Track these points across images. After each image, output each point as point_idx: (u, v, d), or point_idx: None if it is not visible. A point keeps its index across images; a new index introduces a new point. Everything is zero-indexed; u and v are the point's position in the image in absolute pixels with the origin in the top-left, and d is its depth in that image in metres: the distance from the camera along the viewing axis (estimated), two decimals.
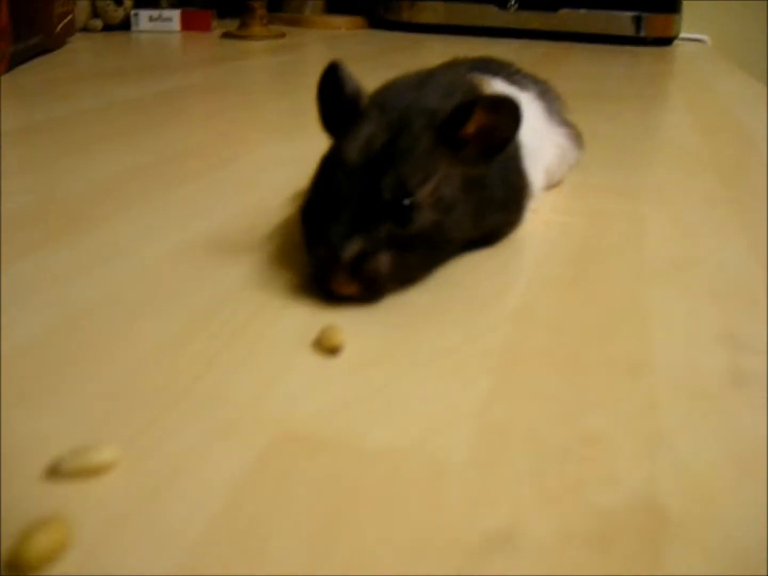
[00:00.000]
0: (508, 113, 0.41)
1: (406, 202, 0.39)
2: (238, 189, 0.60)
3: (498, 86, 0.52)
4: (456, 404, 0.31)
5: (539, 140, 0.52)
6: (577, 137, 0.62)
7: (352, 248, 0.38)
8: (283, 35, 1.75)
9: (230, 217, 0.53)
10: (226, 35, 1.72)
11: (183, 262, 0.45)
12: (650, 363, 0.35)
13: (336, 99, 0.44)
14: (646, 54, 1.65)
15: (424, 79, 0.47)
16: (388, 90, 0.46)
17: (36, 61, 1.21)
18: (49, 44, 1.33)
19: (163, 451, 0.28)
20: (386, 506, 0.25)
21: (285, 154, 0.72)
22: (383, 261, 0.39)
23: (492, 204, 0.45)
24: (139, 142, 0.74)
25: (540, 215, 0.54)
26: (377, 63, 1.30)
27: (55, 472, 0.26)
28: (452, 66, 0.58)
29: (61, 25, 1.41)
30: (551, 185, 0.59)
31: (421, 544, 0.24)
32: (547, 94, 0.61)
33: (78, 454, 0.26)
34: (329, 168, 0.42)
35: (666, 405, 0.32)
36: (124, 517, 0.24)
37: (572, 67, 1.42)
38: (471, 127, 0.42)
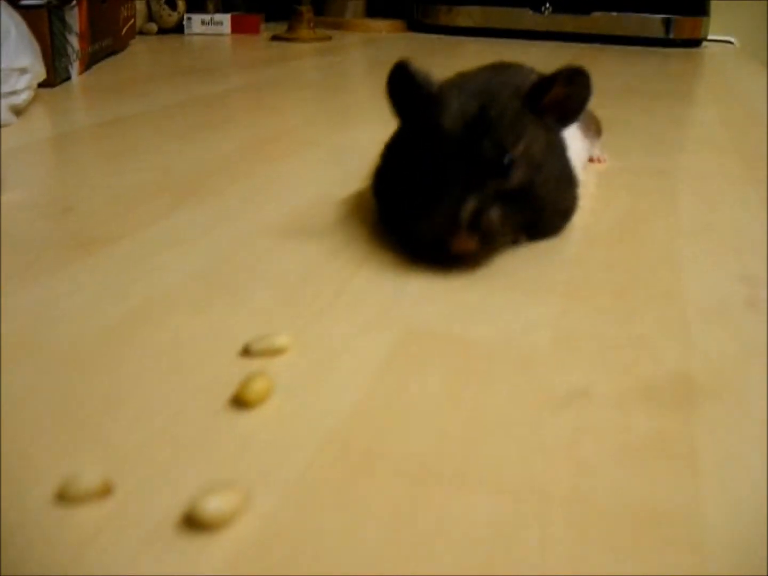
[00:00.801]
0: (583, 84, 0.48)
1: (506, 159, 0.44)
2: (326, 165, 0.71)
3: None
4: (537, 315, 0.41)
5: (573, 134, 0.56)
6: (592, 127, 0.68)
7: (469, 206, 0.42)
8: (329, 38, 1.85)
9: (327, 186, 0.63)
10: (275, 38, 1.82)
11: (294, 221, 0.55)
12: (682, 292, 0.45)
13: (408, 87, 0.49)
14: (675, 55, 1.73)
15: (486, 67, 0.54)
16: (459, 79, 0.52)
17: (107, 62, 1.32)
18: (116, 46, 1.44)
19: (322, 340, 0.38)
20: (492, 375, 0.35)
21: (347, 143, 0.82)
22: (496, 215, 0.43)
23: (561, 178, 0.50)
24: (227, 131, 0.85)
25: (586, 190, 0.64)
26: (418, 64, 1.39)
27: (247, 351, 0.36)
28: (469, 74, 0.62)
29: (125, 29, 1.52)
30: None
31: (522, 395, 0.34)
32: None
33: (263, 339, 0.36)
34: (420, 141, 0.46)
35: (693, 318, 0.42)
36: (295, 386, 0.34)
37: (605, 66, 1.51)
38: (550, 97, 0.47)
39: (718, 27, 2.02)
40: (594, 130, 0.69)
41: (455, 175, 0.43)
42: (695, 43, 1.92)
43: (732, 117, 1.06)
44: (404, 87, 0.49)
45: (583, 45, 1.84)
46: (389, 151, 0.51)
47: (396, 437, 0.31)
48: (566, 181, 0.51)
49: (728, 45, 2.07)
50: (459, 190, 0.42)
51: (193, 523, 0.25)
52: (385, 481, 0.28)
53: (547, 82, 0.47)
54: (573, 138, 0.55)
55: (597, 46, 1.84)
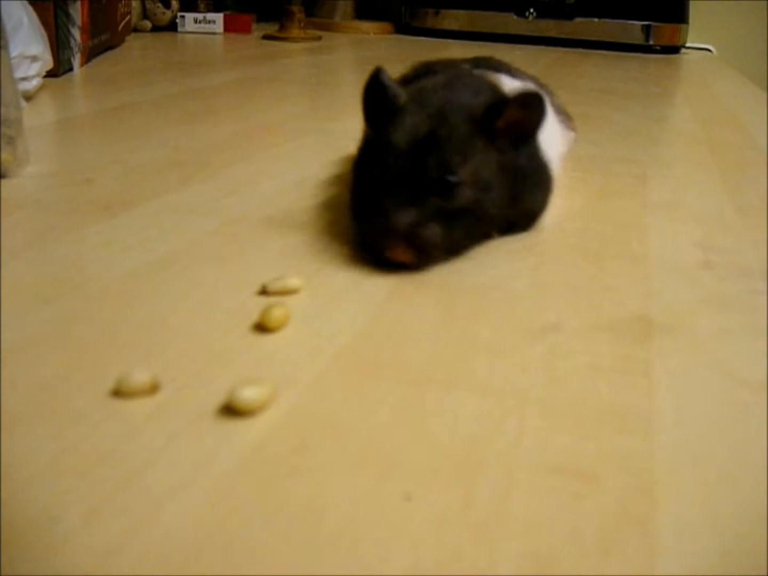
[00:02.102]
0: (536, 108, 0.47)
1: (451, 179, 0.44)
2: (319, 149, 0.76)
3: (508, 82, 0.57)
4: (516, 268, 0.47)
5: (550, 133, 0.56)
6: (569, 121, 0.69)
7: (406, 218, 0.43)
8: (319, 38, 1.90)
9: (320, 166, 0.68)
10: (267, 37, 1.87)
11: (293, 193, 0.60)
12: (647, 254, 0.51)
13: (379, 97, 0.49)
14: (654, 61, 1.79)
15: (450, 79, 0.52)
16: (422, 90, 0.51)
17: (105, 56, 1.36)
18: (114, 41, 1.48)
19: (330, 283, 0.43)
20: (479, 311, 0.41)
21: (336, 132, 0.87)
22: (433, 230, 0.44)
23: (524, 186, 0.50)
24: (225, 119, 0.90)
25: (563, 172, 0.69)
26: (404, 65, 1.45)
27: (264, 291, 0.41)
28: (455, 63, 0.64)
29: (122, 25, 1.56)
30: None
31: (504, 327, 0.39)
32: (538, 83, 0.66)
33: (278, 281, 0.42)
34: (377, 153, 0.47)
35: (655, 274, 0.47)
36: (309, 316, 0.40)
37: (586, 69, 1.57)
38: (503, 121, 0.47)
39: (696, 35, 2.08)
40: (572, 125, 0.71)
41: (400, 189, 0.44)
42: (674, 49, 1.98)
43: (705, 115, 1.12)
44: (376, 97, 0.50)
45: (565, 49, 1.89)
46: (357, 158, 0.52)
47: (397, 351, 0.36)
48: (530, 191, 0.53)
49: (706, 52, 2.13)
50: (401, 204, 0.44)
51: (229, 410, 0.30)
52: (388, 384, 0.33)
53: (498, 106, 0.47)
54: (553, 130, 0.57)
55: (579, 50, 1.90)
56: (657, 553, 0.25)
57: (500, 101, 0.47)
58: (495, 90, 0.51)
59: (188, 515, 0.25)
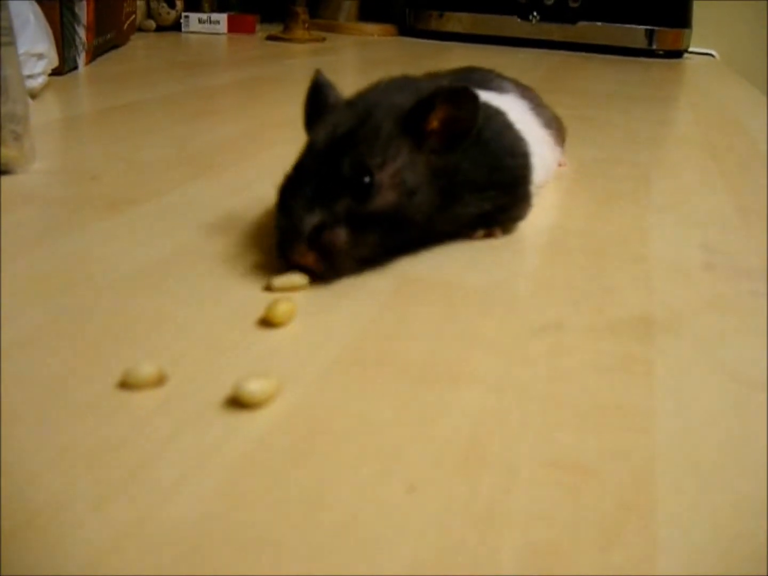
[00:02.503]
0: (467, 103, 0.44)
1: (366, 180, 0.41)
2: None
3: (492, 98, 0.52)
4: (519, 268, 0.48)
5: (531, 134, 0.53)
6: (559, 136, 0.66)
7: (311, 220, 0.40)
8: (323, 39, 1.90)
9: None
10: (271, 38, 1.87)
11: None
12: (649, 256, 0.51)
13: (318, 103, 0.48)
14: (657, 65, 1.80)
15: (399, 84, 0.49)
16: (361, 92, 0.49)
17: (110, 55, 1.37)
18: (118, 40, 1.48)
19: (333, 282, 0.43)
20: (481, 310, 0.41)
21: None
22: (340, 234, 0.41)
23: (468, 188, 0.47)
24: (230, 118, 0.90)
25: (566, 174, 0.70)
26: (407, 67, 1.45)
27: (269, 288, 0.42)
28: (434, 76, 0.59)
29: (127, 24, 1.57)
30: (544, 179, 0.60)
31: (506, 325, 0.40)
32: (528, 93, 0.62)
33: (283, 277, 0.42)
34: (300, 154, 0.45)
35: (657, 275, 0.48)
36: (314, 312, 0.40)
37: (589, 73, 1.57)
38: (434, 120, 0.44)
39: (699, 40, 2.08)
40: (562, 138, 0.68)
41: (310, 188, 0.41)
42: (677, 54, 1.99)
43: (708, 120, 1.12)
44: (315, 101, 0.48)
45: (568, 53, 1.90)
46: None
47: (400, 348, 0.37)
48: (501, 187, 0.49)
49: (709, 57, 2.13)
50: (308, 203, 0.41)
51: (235, 402, 0.31)
52: (392, 379, 0.34)
53: (424, 104, 0.44)
54: (543, 145, 0.56)
55: (582, 54, 1.90)
56: (656, 545, 0.25)
57: (426, 99, 0.44)
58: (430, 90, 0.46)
59: (195, 504, 0.26)
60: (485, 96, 0.48)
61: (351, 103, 0.47)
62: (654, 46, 1.95)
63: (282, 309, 0.37)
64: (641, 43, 1.95)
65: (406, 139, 0.44)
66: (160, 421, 0.30)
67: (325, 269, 0.42)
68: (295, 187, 0.42)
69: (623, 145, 0.88)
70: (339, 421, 0.31)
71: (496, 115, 0.50)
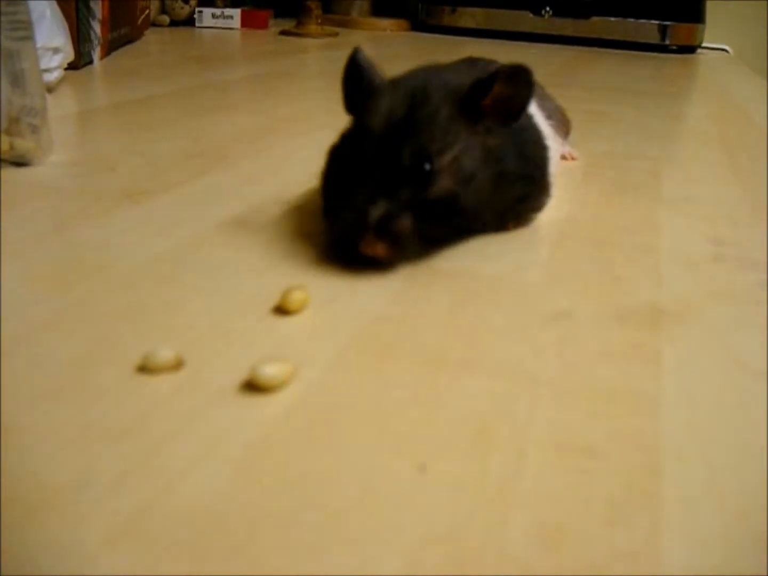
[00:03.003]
0: (525, 81, 0.44)
1: (427, 167, 0.42)
2: None
3: None
4: (529, 258, 0.48)
5: (540, 119, 0.55)
6: (561, 128, 0.65)
7: (377, 210, 0.40)
8: (336, 34, 1.91)
9: None
10: (284, 33, 1.88)
11: (315, 181, 0.61)
12: (658, 247, 0.51)
13: (358, 81, 0.47)
14: (670, 60, 1.79)
15: (439, 67, 0.50)
16: (404, 75, 0.49)
17: (124, 49, 1.37)
18: (133, 35, 1.49)
19: (346, 270, 0.44)
20: (492, 298, 0.42)
21: None
22: (407, 222, 0.41)
23: (514, 176, 0.47)
24: (244, 111, 0.91)
25: (578, 167, 0.70)
26: (420, 62, 1.46)
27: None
28: (439, 67, 0.57)
29: (141, 19, 1.58)
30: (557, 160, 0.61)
31: (516, 313, 0.40)
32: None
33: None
34: (351, 140, 0.45)
35: (666, 266, 0.48)
36: (327, 301, 0.41)
37: (602, 68, 1.57)
38: (490, 98, 0.44)
39: (713, 35, 2.08)
40: (564, 129, 0.68)
41: (372, 178, 0.41)
42: (690, 49, 1.98)
43: (720, 115, 1.12)
44: (355, 80, 0.47)
45: (581, 48, 1.90)
46: (333, 146, 0.48)
47: (412, 334, 0.37)
48: (527, 176, 0.50)
49: (723, 53, 2.13)
50: (371, 194, 0.41)
51: (251, 386, 0.32)
52: (404, 364, 0.35)
53: (485, 83, 0.44)
54: (548, 137, 0.55)
55: (595, 49, 1.90)
56: (662, 526, 0.26)
57: (488, 77, 0.44)
58: (482, 69, 0.47)
59: (211, 484, 0.26)
60: None
61: (400, 84, 0.46)
62: (667, 42, 1.94)
63: (296, 297, 0.38)
64: (654, 38, 1.95)
65: (463, 121, 0.44)
66: (178, 404, 0.31)
67: (392, 257, 0.42)
68: (355, 178, 0.42)
69: (635, 140, 0.88)
70: (352, 404, 0.32)
71: None
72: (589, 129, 0.89)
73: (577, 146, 0.74)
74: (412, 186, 0.41)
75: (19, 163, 0.60)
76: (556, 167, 0.59)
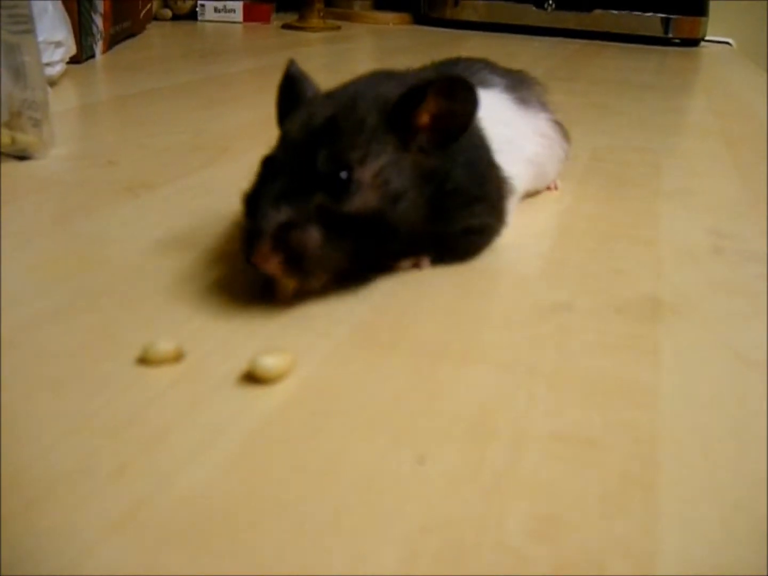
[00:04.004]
0: (463, 97, 0.39)
1: (343, 175, 0.37)
2: None
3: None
4: (529, 251, 0.49)
5: (514, 131, 0.49)
6: (561, 126, 0.59)
7: (276, 217, 0.35)
8: (338, 28, 1.91)
9: None
10: (286, 26, 1.88)
11: None
12: (658, 240, 0.52)
13: (290, 94, 0.43)
14: (673, 53, 1.79)
15: (385, 76, 0.45)
16: (342, 85, 0.44)
17: (126, 43, 1.38)
18: (134, 29, 1.49)
19: None
20: (491, 290, 0.42)
21: None
22: (311, 234, 0.36)
23: (458, 199, 0.42)
24: (245, 105, 0.91)
25: (578, 160, 0.70)
26: (422, 55, 1.46)
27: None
28: (417, 70, 0.52)
29: (143, 13, 1.58)
30: (544, 183, 0.58)
31: (516, 305, 0.40)
32: (521, 84, 0.56)
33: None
34: (271, 151, 0.40)
35: (666, 258, 0.48)
36: (327, 293, 0.40)
37: (604, 61, 1.57)
38: (423, 114, 0.39)
39: (716, 28, 2.07)
40: (561, 152, 0.59)
41: (280, 184, 0.37)
42: (693, 42, 1.98)
43: (722, 108, 1.12)
44: (288, 93, 0.44)
45: (584, 41, 1.90)
46: (265, 157, 0.42)
47: (412, 326, 0.38)
48: (478, 200, 0.44)
49: (726, 46, 2.12)
50: (273, 200, 0.36)
51: (250, 377, 0.32)
52: (403, 356, 0.35)
53: (414, 94, 0.39)
54: (531, 142, 0.52)
55: (597, 42, 1.90)
56: (659, 517, 0.26)
57: (418, 88, 0.39)
58: (421, 80, 0.41)
59: (211, 474, 0.26)
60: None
61: (330, 96, 0.42)
62: (670, 35, 1.94)
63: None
64: (657, 31, 1.94)
65: (391, 134, 0.39)
66: (178, 395, 0.31)
67: (293, 274, 0.36)
68: (263, 183, 0.38)
69: (636, 133, 0.88)
70: (351, 395, 0.32)
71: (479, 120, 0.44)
72: (591, 122, 0.89)
73: (578, 140, 0.74)
74: (325, 195, 0.36)
75: (21, 156, 0.60)
76: (542, 174, 0.56)
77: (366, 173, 0.38)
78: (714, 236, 0.53)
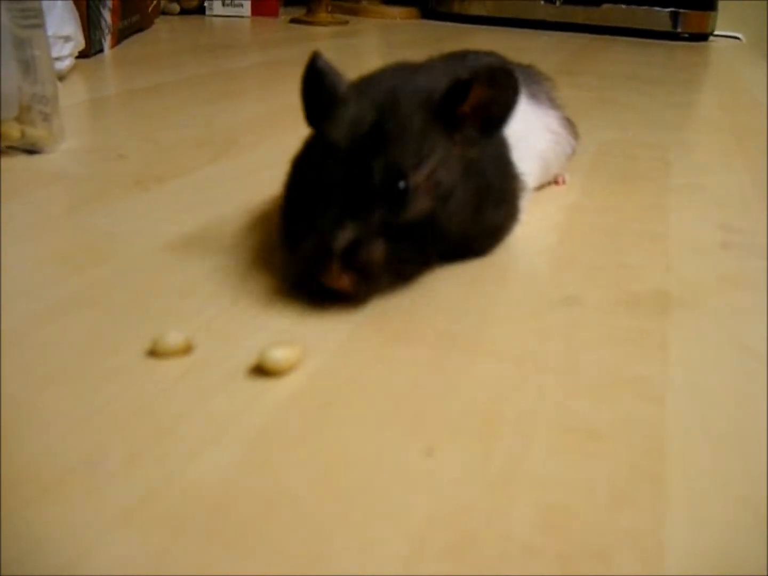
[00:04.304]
0: (506, 84, 0.39)
1: (401, 185, 0.36)
2: None
3: None
4: (538, 245, 0.49)
5: (526, 128, 0.48)
6: (570, 123, 0.59)
7: (345, 236, 0.35)
8: (346, 22, 1.91)
9: None
10: (294, 21, 1.88)
11: None
12: (667, 234, 0.52)
13: (318, 90, 0.41)
14: (681, 48, 1.79)
15: (411, 68, 0.45)
16: (369, 78, 0.43)
17: (134, 38, 1.38)
18: (143, 24, 1.49)
19: None
20: (500, 284, 0.43)
21: None
22: (379, 250, 0.36)
23: (490, 194, 0.42)
24: (253, 99, 0.92)
25: (587, 154, 0.70)
26: (430, 50, 1.45)
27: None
28: (430, 61, 0.52)
29: (151, 7, 1.58)
30: (547, 178, 0.58)
31: (524, 299, 0.40)
32: (530, 78, 0.55)
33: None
34: (314, 155, 0.39)
35: (675, 253, 0.48)
36: None
37: (613, 56, 1.57)
38: (468, 104, 0.39)
39: (725, 23, 2.06)
40: (569, 145, 0.59)
41: (337, 199, 0.36)
42: (702, 37, 1.97)
43: (731, 103, 1.12)
44: (316, 88, 0.42)
45: (592, 36, 1.89)
46: (296, 157, 0.42)
47: (420, 319, 0.38)
48: (499, 196, 0.44)
49: (735, 40, 2.11)
50: (338, 217, 0.35)
51: (260, 370, 0.32)
52: (412, 349, 0.35)
53: (461, 87, 0.39)
54: (541, 138, 0.52)
55: (606, 37, 1.90)
56: (666, 510, 0.26)
57: (465, 80, 0.39)
58: (457, 71, 0.40)
59: (220, 466, 0.27)
60: None
61: (365, 92, 0.41)
62: (679, 29, 1.93)
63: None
64: (666, 25, 1.94)
65: (438, 130, 0.39)
66: (187, 387, 0.31)
67: (361, 290, 0.37)
68: (317, 199, 0.37)
69: (645, 127, 0.88)
70: (360, 387, 0.32)
71: None
72: (599, 116, 0.89)
73: (586, 134, 0.74)
74: (385, 208, 0.36)
75: (31, 150, 0.60)
76: (549, 168, 0.56)
77: (420, 177, 0.37)
78: (722, 231, 0.53)
